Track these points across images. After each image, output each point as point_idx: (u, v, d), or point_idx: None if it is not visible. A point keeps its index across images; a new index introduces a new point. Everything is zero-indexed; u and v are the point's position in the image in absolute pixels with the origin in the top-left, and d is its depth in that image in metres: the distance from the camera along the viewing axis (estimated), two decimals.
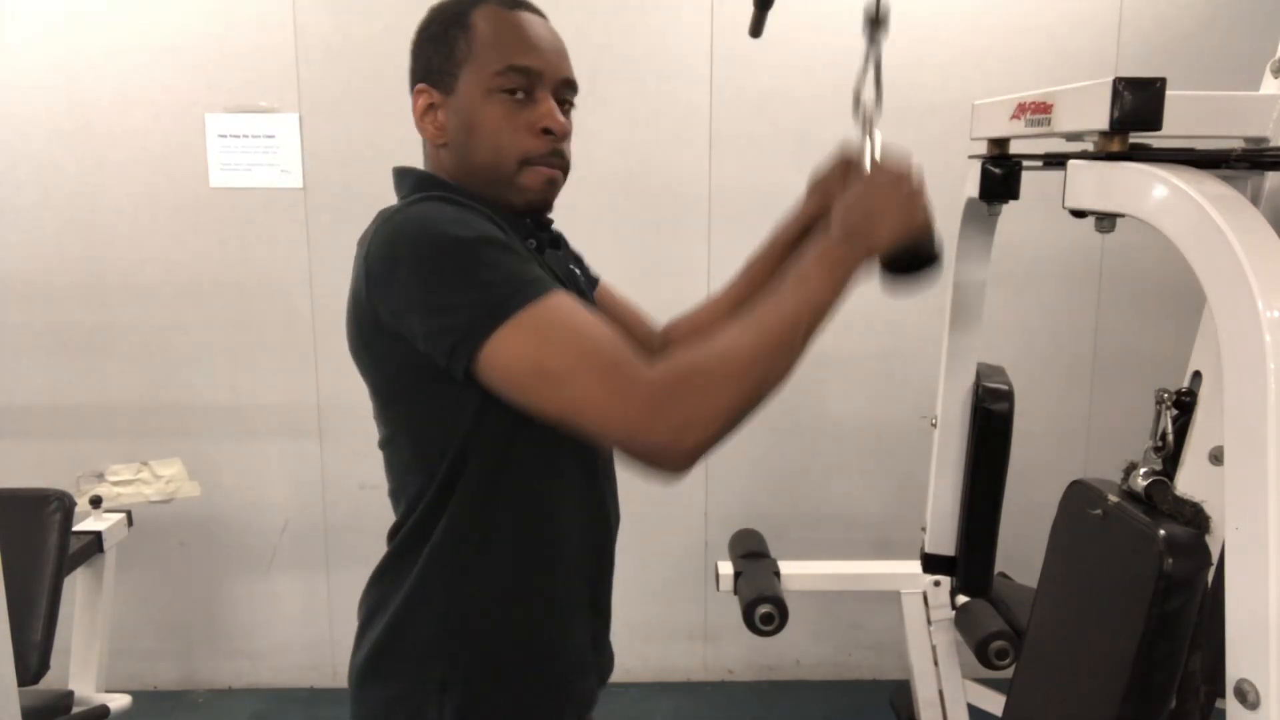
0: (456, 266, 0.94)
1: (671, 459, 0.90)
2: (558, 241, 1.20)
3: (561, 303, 0.94)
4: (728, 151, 2.86)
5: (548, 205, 1.14)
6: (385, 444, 1.13)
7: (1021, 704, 1.37)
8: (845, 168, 1.18)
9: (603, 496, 1.18)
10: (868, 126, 1.10)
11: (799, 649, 3.14)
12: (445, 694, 1.07)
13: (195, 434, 2.94)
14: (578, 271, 1.23)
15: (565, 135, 1.10)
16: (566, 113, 1.13)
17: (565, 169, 1.12)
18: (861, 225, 0.98)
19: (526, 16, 1.10)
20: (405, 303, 0.96)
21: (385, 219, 1.02)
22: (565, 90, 1.12)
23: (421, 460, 1.07)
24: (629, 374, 0.90)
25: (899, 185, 1.00)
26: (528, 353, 0.91)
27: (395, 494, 1.14)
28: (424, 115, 1.13)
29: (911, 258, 0.98)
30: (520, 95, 1.07)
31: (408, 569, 1.08)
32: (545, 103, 1.08)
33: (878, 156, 1.09)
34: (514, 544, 1.08)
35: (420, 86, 1.13)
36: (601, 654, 1.23)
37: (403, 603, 1.09)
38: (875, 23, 1.09)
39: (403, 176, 1.16)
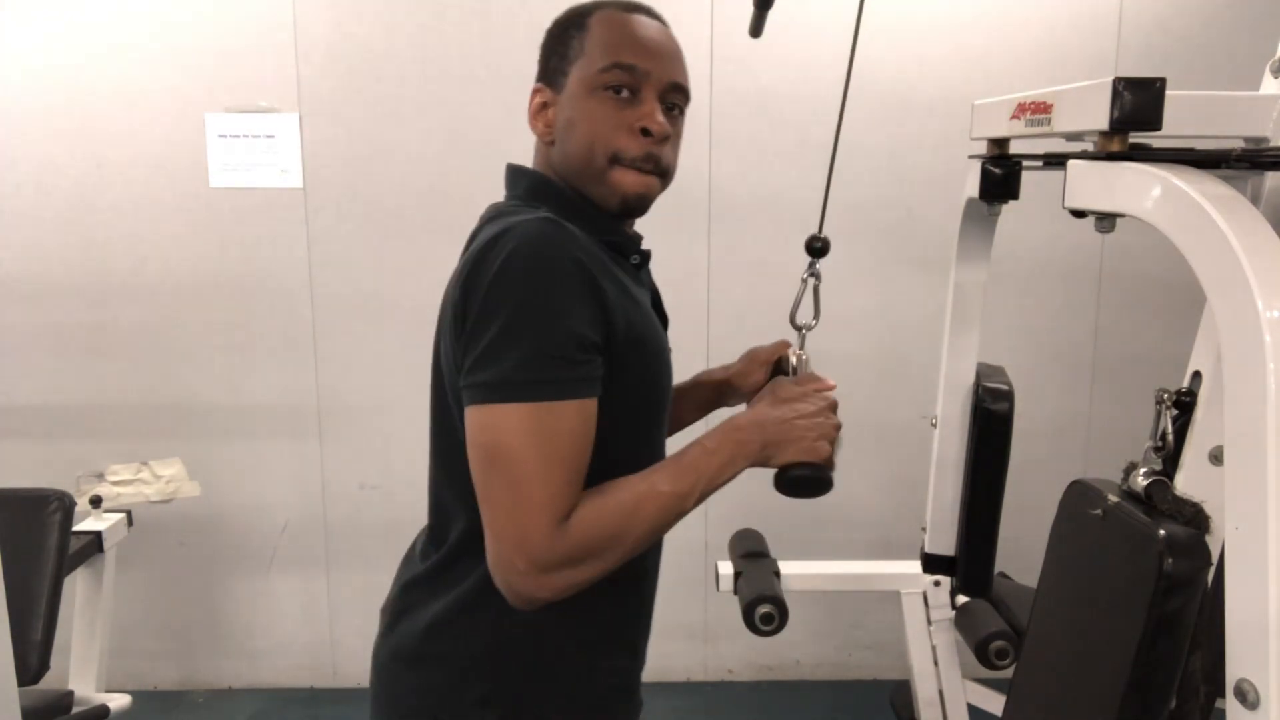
0: (524, 326, 0.95)
1: (520, 598, 0.97)
2: (649, 258, 1.21)
3: (566, 417, 0.96)
4: (728, 151, 2.86)
5: (642, 208, 1.13)
6: (450, 442, 1.08)
7: (1021, 704, 1.37)
8: (779, 358, 1.31)
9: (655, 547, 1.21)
10: (802, 341, 1.27)
11: (799, 649, 3.14)
12: (486, 709, 1.07)
13: (195, 434, 2.94)
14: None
15: (665, 137, 1.09)
16: (675, 118, 1.12)
17: (662, 174, 1.12)
18: (774, 437, 1.06)
19: (641, 18, 1.12)
20: (473, 321, 0.98)
21: (502, 234, 0.99)
22: (674, 94, 1.11)
23: None
24: (544, 524, 0.94)
25: (819, 416, 1.07)
26: (505, 436, 0.95)
27: (454, 493, 1.09)
28: (536, 113, 1.14)
29: (804, 482, 1.07)
30: (625, 94, 1.08)
31: (461, 575, 1.08)
32: (648, 103, 1.08)
33: (808, 371, 1.23)
34: None
35: (536, 86, 1.15)
36: (638, 691, 1.23)
37: (451, 607, 1.08)
38: (815, 251, 1.25)
39: (517, 177, 1.16)
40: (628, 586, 1.10)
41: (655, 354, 1.10)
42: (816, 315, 1.25)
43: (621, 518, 0.98)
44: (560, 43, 1.12)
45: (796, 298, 1.24)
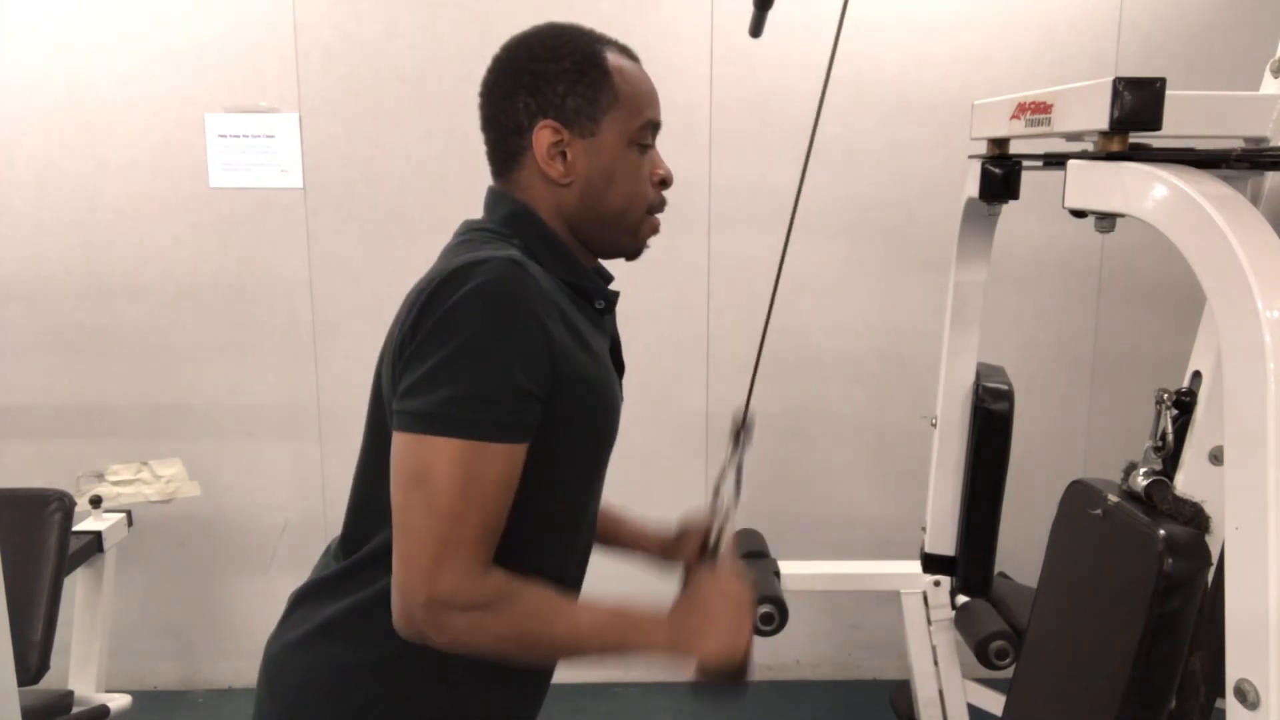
0: (465, 364, 0.95)
1: (411, 627, 0.97)
2: (615, 302, 1.20)
3: (491, 459, 0.96)
4: (728, 151, 2.86)
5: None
6: (384, 458, 1.08)
7: (1021, 704, 1.37)
8: (706, 532, 1.33)
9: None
10: (723, 521, 1.28)
11: (799, 649, 3.14)
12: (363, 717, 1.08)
13: (195, 434, 2.94)
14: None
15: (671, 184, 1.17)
16: None
17: None
18: (690, 637, 1.05)
19: (642, 68, 1.17)
20: (416, 346, 0.98)
21: (465, 269, 0.98)
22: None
23: None
24: (457, 562, 0.95)
25: (733, 611, 1.07)
26: (430, 468, 0.95)
27: (380, 506, 1.08)
28: (550, 152, 1.10)
29: (720, 680, 1.07)
30: (646, 147, 1.15)
31: (364, 582, 1.08)
32: (657, 154, 1.17)
33: (724, 551, 1.27)
34: None
35: (548, 123, 1.09)
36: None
37: (347, 610, 1.08)
38: (739, 432, 1.29)
39: (497, 202, 1.15)
40: None
41: (602, 407, 1.10)
42: (739, 494, 1.30)
43: (532, 616, 0.99)
44: (578, 83, 1.09)
45: (720, 475, 1.28)
